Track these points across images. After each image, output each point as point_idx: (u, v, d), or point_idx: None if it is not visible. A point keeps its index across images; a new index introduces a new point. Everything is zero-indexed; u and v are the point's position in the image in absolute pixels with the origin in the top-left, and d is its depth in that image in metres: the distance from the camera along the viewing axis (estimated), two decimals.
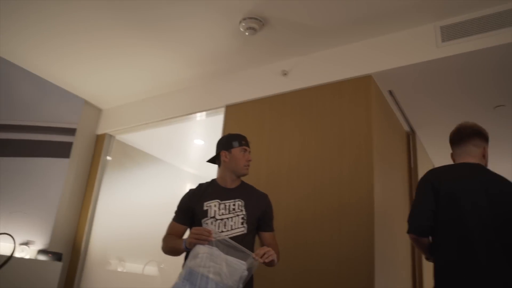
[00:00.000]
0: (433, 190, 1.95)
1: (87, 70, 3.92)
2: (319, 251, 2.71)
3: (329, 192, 2.83)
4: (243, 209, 2.04)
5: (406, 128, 3.87)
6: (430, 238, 1.96)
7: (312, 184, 2.92)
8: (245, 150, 2.14)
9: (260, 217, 2.09)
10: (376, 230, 2.61)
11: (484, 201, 1.85)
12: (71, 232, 4.27)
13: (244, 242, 1.94)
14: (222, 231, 1.96)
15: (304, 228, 2.83)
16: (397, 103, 3.43)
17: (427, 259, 2.07)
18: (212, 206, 2.03)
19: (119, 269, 4.26)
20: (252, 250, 1.99)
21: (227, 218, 1.99)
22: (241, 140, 2.16)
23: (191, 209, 2.07)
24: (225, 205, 2.03)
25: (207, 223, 1.98)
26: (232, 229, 1.98)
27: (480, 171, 2.00)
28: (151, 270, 4.26)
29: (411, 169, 3.82)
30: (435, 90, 3.27)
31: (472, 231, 1.81)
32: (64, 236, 4.17)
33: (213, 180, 2.17)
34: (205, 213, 2.01)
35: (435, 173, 2.05)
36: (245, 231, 1.99)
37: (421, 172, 3.91)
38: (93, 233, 4.28)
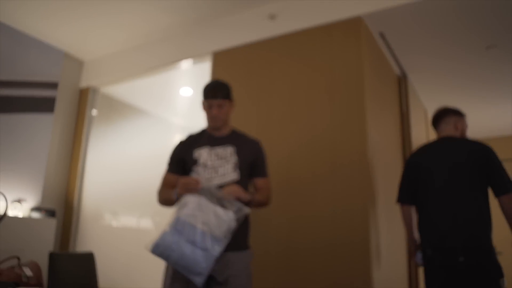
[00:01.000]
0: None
1: (65, 20, 3.74)
2: (313, 200, 2.73)
3: (321, 138, 2.81)
4: (234, 155, 2.01)
5: (397, 72, 3.81)
6: None
7: (304, 130, 2.89)
8: (210, 105, 2.05)
9: (252, 163, 2.07)
10: (369, 175, 2.62)
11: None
12: (62, 188, 4.25)
13: None
14: (214, 178, 1.95)
15: (297, 175, 2.84)
16: (388, 46, 3.34)
17: None
18: (202, 153, 2.01)
19: (114, 224, 4.29)
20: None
21: (218, 166, 1.97)
22: (206, 93, 2.07)
23: (182, 159, 2.05)
24: (216, 152, 2.01)
25: (197, 171, 1.96)
26: (223, 175, 1.96)
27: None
28: (146, 223, 4.29)
29: (403, 113, 3.80)
30: (426, 32, 3.19)
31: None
32: (55, 193, 4.16)
33: (204, 130, 2.14)
34: (195, 161, 1.99)
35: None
36: (238, 177, 1.97)
37: (413, 117, 3.90)
38: (85, 188, 4.27)
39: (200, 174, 1.96)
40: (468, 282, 2.12)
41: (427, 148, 2.51)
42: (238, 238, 1.93)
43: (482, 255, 2.15)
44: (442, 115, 2.54)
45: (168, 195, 1.97)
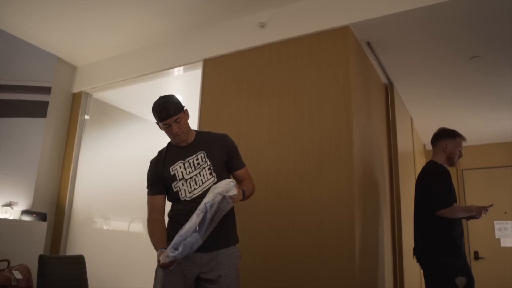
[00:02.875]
0: None
1: (59, 25, 3.78)
2: (301, 206, 2.80)
3: (309, 144, 2.89)
4: (206, 160, 2.05)
5: (384, 80, 3.91)
6: None
7: (293, 136, 2.97)
8: (167, 125, 2.01)
9: (226, 159, 2.11)
10: (354, 179, 2.70)
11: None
12: (54, 192, 4.27)
13: None
14: (195, 189, 2.00)
15: (285, 180, 2.91)
16: (375, 55, 3.44)
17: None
18: (178, 168, 2.04)
19: (105, 227, 4.31)
20: None
21: (195, 175, 2.02)
22: (158, 115, 2.01)
23: (161, 177, 2.07)
24: (189, 163, 2.05)
25: (178, 186, 2.02)
26: (203, 183, 2.02)
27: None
28: (136, 227, 4.32)
29: (389, 121, 3.90)
30: (412, 41, 3.29)
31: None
32: (47, 196, 4.18)
33: (169, 143, 2.16)
34: (173, 177, 2.04)
35: None
36: (215, 179, 2.03)
37: (399, 125, 4.00)
38: (77, 193, 4.29)
39: (181, 189, 2.02)
40: None
41: None
42: (227, 235, 2.02)
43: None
44: (434, 140, 3.01)
45: (154, 246, 1.95)
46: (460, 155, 2.97)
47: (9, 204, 3.73)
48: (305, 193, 2.81)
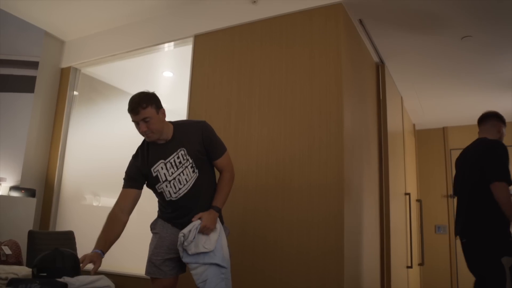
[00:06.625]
0: None
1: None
2: (290, 182, 2.82)
3: (299, 122, 2.89)
4: (187, 157, 2.03)
5: (375, 59, 3.90)
6: None
7: (283, 113, 2.96)
8: (135, 122, 1.99)
9: (206, 149, 2.08)
10: (345, 158, 2.71)
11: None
12: (42, 168, 4.25)
13: (201, 182, 2.05)
14: (180, 189, 2.02)
15: (275, 157, 2.92)
16: (367, 33, 3.42)
17: None
18: (160, 170, 2.02)
19: (94, 204, 4.31)
20: (212, 176, 2.13)
21: (178, 175, 2.01)
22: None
23: (142, 175, 2.06)
24: (171, 163, 2.02)
25: (163, 188, 2.03)
26: (187, 182, 2.03)
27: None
28: None
29: (380, 100, 3.90)
30: (404, 21, 3.27)
31: None
32: (35, 172, 4.16)
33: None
34: (156, 179, 2.04)
35: None
36: (198, 174, 2.05)
37: (390, 104, 4.01)
38: (66, 169, 4.27)
39: (166, 190, 2.03)
40: None
41: None
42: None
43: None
44: (488, 118, 2.96)
45: (97, 239, 1.99)
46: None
47: None
48: (295, 171, 2.82)
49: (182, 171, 2.01)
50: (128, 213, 2.05)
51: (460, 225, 2.85)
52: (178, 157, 2.02)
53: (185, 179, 2.02)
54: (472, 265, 2.76)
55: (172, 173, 2.01)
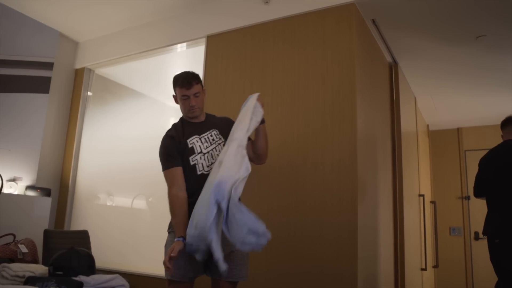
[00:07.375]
0: None
1: (60, 1, 3.74)
2: (303, 184, 2.81)
3: (312, 122, 2.88)
4: (220, 136, 2.14)
5: (388, 59, 3.87)
6: None
7: (296, 114, 2.96)
8: (185, 97, 2.08)
9: None
10: (358, 159, 2.70)
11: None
12: (57, 167, 4.31)
13: None
14: (212, 163, 2.04)
15: (288, 159, 2.91)
16: (380, 33, 3.39)
17: None
18: (195, 142, 2.09)
19: (108, 203, 4.36)
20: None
21: (212, 149, 2.09)
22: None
23: (180, 150, 2.07)
24: (205, 138, 2.12)
25: (196, 159, 2.05)
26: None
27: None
28: (140, 203, 4.36)
29: (393, 100, 3.87)
30: (417, 20, 3.24)
31: None
32: (51, 172, 4.22)
33: (182, 119, 2.20)
34: (191, 150, 2.07)
35: None
36: None
37: (403, 105, 3.98)
38: (80, 168, 4.33)
39: (199, 163, 2.05)
40: None
41: None
42: None
43: None
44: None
45: (174, 226, 1.95)
46: None
47: (14, 179, 3.76)
48: (307, 172, 2.81)
49: (215, 147, 2.10)
50: (185, 189, 2.02)
51: (493, 225, 2.86)
52: (211, 135, 2.13)
53: (218, 155, 2.06)
54: (502, 266, 2.76)
55: (207, 147, 2.09)
